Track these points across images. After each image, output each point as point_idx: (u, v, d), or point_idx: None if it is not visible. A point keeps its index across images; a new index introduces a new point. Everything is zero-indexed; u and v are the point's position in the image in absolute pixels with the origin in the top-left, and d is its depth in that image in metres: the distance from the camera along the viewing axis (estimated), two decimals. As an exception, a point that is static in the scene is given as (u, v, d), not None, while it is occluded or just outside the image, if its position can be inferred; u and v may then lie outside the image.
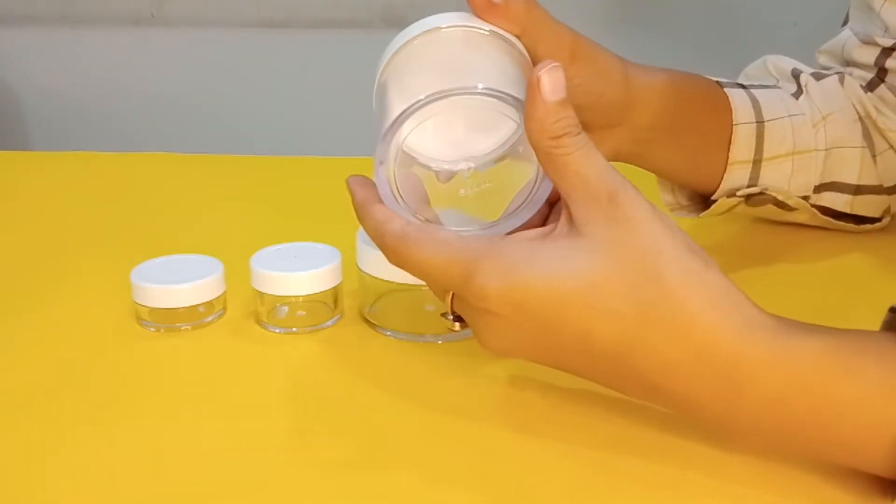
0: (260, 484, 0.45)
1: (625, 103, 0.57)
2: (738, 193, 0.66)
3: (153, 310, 0.59)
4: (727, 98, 0.66)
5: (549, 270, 0.43)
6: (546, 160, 0.44)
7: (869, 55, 0.71)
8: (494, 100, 0.45)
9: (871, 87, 0.71)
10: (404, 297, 0.59)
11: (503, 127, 0.48)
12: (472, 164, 0.48)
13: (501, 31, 0.50)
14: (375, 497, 0.45)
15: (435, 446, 0.48)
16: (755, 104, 0.67)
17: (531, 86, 0.43)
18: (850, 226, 0.71)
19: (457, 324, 0.48)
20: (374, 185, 0.48)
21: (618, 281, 0.42)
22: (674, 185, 0.69)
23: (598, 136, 0.54)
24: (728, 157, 0.65)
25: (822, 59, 0.75)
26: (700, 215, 0.68)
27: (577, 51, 0.54)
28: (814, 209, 0.70)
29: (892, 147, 0.70)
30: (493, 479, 0.46)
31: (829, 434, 0.42)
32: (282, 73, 1.88)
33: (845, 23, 0.75)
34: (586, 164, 0.43)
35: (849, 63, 0.73)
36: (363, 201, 0.48)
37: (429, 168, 0.48)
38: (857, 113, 0.70)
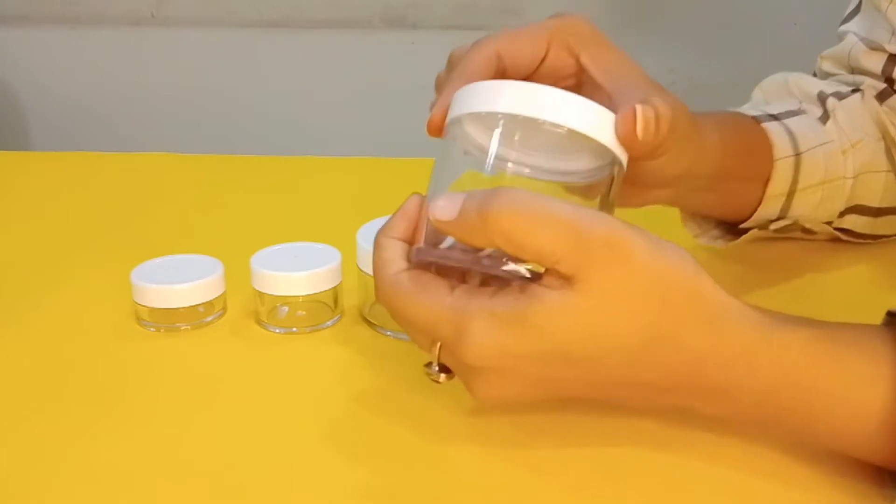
0: (260, 483, 0.45)
1: (686, 170, 0.54)
2: (772, 228, 0.66)
3: (153, 310, 0.59)
4: (766, 136, 0.64)
5: (547, 332, 0.42)
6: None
7: (876, 62, 0.70)
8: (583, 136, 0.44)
9: (882, 97, 0.70)
10: (404, 297, 0.58)
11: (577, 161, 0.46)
12: (528, 170, 0.45)
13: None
14: (375, 496, 0.45)
15: (435, 446, 0.48)
16: (791, 137, 0.65)
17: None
18: (868, 241, 0.71)
19: (442, 375, 0.46)
20: (409, 220, 0.47)
21: (621, 327, 0.42)
22: (699, 218, 0.68)
23: (637, 193, 0.54)
24: (764, 193, 0.64)
25: (826, 65, 0.74)
26: (728, 245, 0.67)
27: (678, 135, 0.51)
28: (836, 232, 0.70)
29: None
30: (494, 479, 0.46)
31: (817, 423, 0.44)
32: (282, 73, 1.87)
33: (845, 21, 0.74)
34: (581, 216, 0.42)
35: (855, 70, 0.72)
36: (386, 229, 0.47)
37: (483, 152, 0.46)
38: (879, 132, 0.70)
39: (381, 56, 1.81)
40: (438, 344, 0.45)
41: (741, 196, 0.65)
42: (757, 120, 0.65)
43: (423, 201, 0.47)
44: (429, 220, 0.45)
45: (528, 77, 0.51)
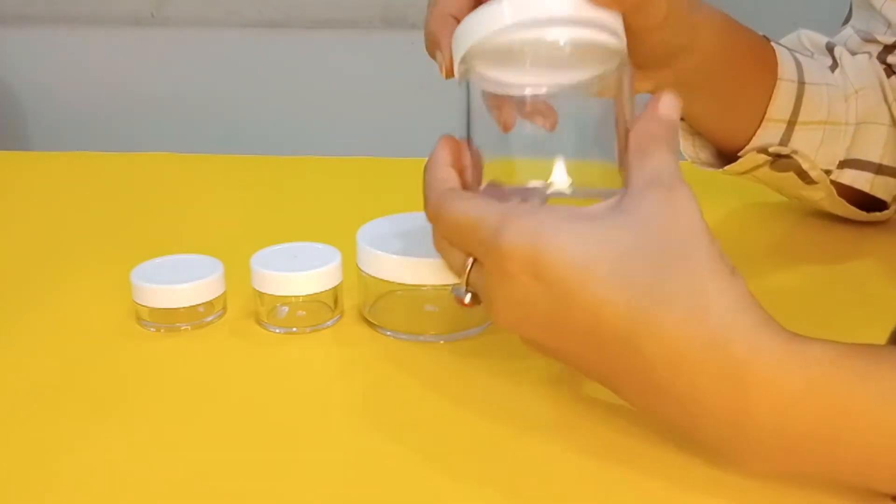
0: (259, 484, 0.45)
1: (682, 46, 0.56)
2: (770, 150, 0.65)
3: (153, 310, 0.59)
4: (774, 53, 0.65)
5: (577, 236, 0.42)
6: (638, 147, 0.45)
7: (871, 52, 0.71)
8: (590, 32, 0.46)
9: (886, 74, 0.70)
10: (404, 298, 0.59)
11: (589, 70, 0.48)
12: (545, 90, 0.47)
13: None
14: (374, 496, 0.45)
15: (435, 446, 0.48)
16: (798, 66, 0.66)
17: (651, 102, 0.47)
18: (861, 213, 0.71)
19: (468, 296, 0.47)
20: (458, 149, 0.49)
21: (644, 253, 0.41)
22: (695, 139, 0.68)
23: (642, 76, 0.54)
24: (765, 114, 0.65)
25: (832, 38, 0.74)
26: (724, 168, 0.67)
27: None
28: (832, 187, 0.69)
29: None
30: (494, 479, 0.46)
31: (840, 448, 0.40)
32: (282, 73, 1.88)
33: (846, 21, 0.74)
34: (667, 158, 0.44)
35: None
36: (436, 156, 0.49)
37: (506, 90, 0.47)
38: (884, 94, 0.70)
39: (381, 56, 1.81)
40: (471, 260, 0.46)
41: (741, 112, 0.65)
42: (768, 39, 0.66)
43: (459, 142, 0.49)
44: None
45: None
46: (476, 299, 0.47)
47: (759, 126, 0.65)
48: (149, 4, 1.85)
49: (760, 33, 0.66)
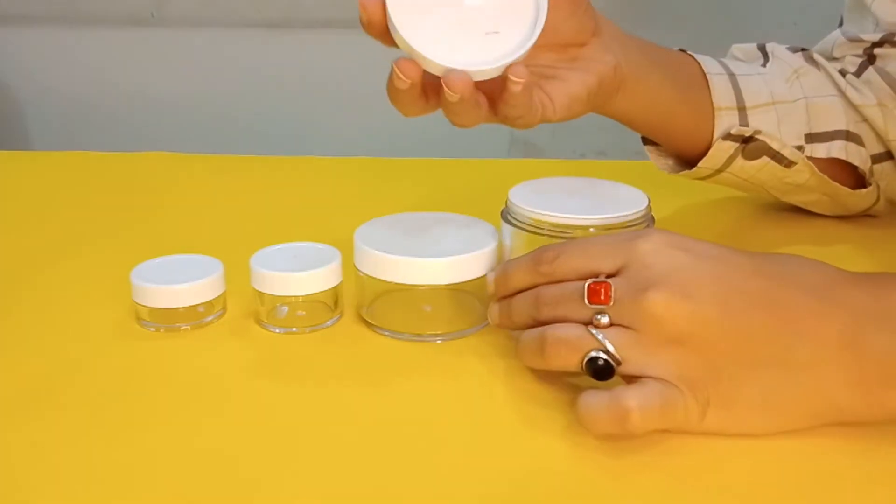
0: (259, 484, 0.45)
1: (592, 31, 0.59)
2: (734, 132, 0.67)
3: (153, 310, 0.59)
4: (693, 57, 0.69)
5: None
6: None
7: (853, 49, 0.72)
8: None
9: (859, 71, 0.71)
10: (402, 297, 0.59)
11: None
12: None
13: None
14: (374, 496, 0.45)
15: (434, 445, 0.48)
16: (721, 63, 0.69)
17: None
18: (845, 189, 0.72)
19: (603, 319, 0.47)
20: None
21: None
22: (661, 150, 0.71)
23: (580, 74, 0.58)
24: (712, 105, 0.67)
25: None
26: (698, 165, 0.68)
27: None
28: (811, 163, 0.70)
29: (865, 120, 0.71)
30: (494, 478, 0.46)
31: None
32: (282, 73, 1.88)
33: (841, 24, 0.75)
34: None
35: (830, 60, 0.73)
36: None
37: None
38: (831, 78, 0.71)
39: (381, 56, 1.82)
40: (592, 282, 0.48)
41: (696, 103, 0.67)
42: (682, 50, 0.69)
43: None
44: None
45: None
46: (610, 325, 0.47)
47: (713, 119, 0.66)
48: (149, 4, 1.85)
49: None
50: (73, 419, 0.51)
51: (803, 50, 0.73)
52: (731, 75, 0.68)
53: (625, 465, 0.46)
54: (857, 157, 0.71)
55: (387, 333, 0.59)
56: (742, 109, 0.67)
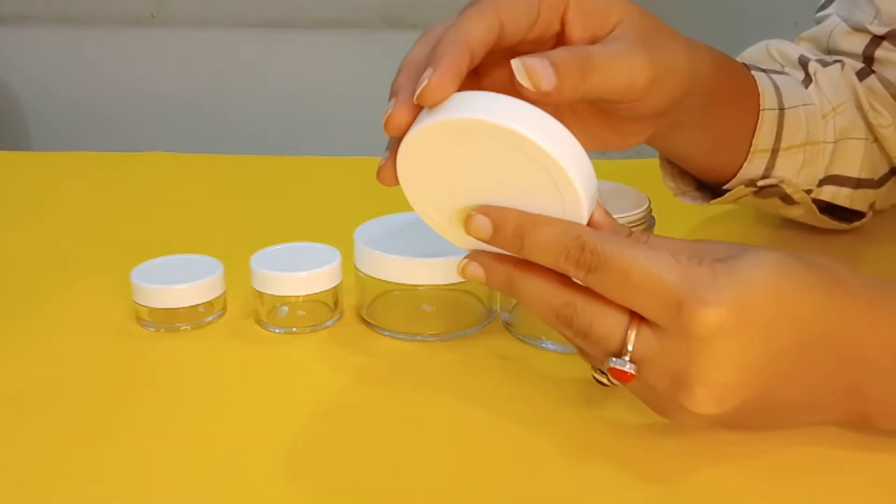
0: (259, 484, 0.45)
1: (684, 93, 0.53)
2: (759, 184, 0.65)
3: (153, 310, 0.59)
4: (755, 83, 0.64)
5: (759, 271, 0.42)
6: None
7: (857, 44, 0.70)
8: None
9: (860, 77, 0.70)
10: (401, 297, 0.59)
11: None
12: None
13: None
14: (375, 497, 0.45)
15: (434, 445, 0.48)
16: (777, 90, 0.66)
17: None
18: (842, 225, 0.71)
19: (629, 365, 0.42)
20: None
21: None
22: (675, 172, 0.68)
23: (637, 126, 0.54)
24: (751, 146, 0.64)
25: (803, 47, 0.74)
26: (711, 202, 0.67)
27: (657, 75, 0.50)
28: (813, 205, 0.69)
29: (877, 140, 0.70)
30: (493, 478, 0.46)
31: None
32: (282, 73, 1.88)
33: (821, 8, 0.74)
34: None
35: (832, 52, 0.72)
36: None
37: None
38: (858, 104, 0.70)
39: (381, 56, 1.81)
40: (635, 327, 0.42)
41: (728, 147, 0.64)
42: (747, 66, 0.66)
43: None
44: None
45: (520, 43, 0.49)
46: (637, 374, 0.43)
47: (745, 159, 0.65)
48: (149, 4, 1.85)
49: (726, 55, 0.64)
50: (73, 419, 0.51)
51: (856, 38, 0.70)
52: (781, 110, 0.65)
53: (625, 463, 0.46)
54: (862, 201, 0.70)
55: (387, 333, 0.59)
56: (775, 152, 0.65)
